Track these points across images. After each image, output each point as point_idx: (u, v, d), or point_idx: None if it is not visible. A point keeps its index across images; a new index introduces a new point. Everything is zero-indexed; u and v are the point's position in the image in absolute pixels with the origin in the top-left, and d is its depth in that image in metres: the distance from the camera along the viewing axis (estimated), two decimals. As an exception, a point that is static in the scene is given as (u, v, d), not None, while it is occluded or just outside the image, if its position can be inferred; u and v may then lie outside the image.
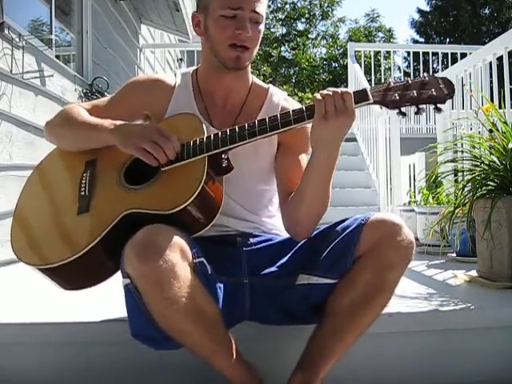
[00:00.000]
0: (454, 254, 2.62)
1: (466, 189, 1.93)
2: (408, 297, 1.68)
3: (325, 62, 21.64)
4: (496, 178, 1.89)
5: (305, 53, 21.24)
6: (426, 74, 1.21)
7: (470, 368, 1.50)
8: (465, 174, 2.12)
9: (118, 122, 1.29)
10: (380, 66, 10.17)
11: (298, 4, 21.96)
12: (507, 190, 1.87)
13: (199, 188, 1.16)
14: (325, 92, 1.17)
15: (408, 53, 14.55)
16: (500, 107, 2.26)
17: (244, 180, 1.37)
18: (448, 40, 19.52)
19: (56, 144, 1.45)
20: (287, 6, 21.67)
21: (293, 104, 1.46)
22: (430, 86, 1.18)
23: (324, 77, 21.32)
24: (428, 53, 6.75)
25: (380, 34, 22.70)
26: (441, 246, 2.34)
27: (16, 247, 1.26)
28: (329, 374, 1.23)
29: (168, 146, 1.20)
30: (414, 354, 1.50)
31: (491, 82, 2.86)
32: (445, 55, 7.12)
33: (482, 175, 1.91)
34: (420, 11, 20.42)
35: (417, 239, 2.88)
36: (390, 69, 13.39)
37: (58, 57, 3.67)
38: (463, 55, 5.61)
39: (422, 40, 20.02)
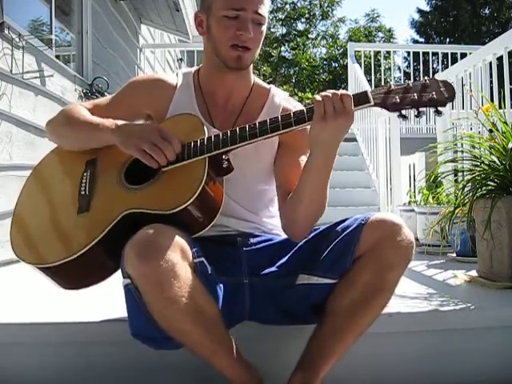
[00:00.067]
0: (454, 254, 2.62)
1: (465, 189, 1.93)
2: (408, 297, 1.68)
3: (325, 62, 21.64)
4: (496, 178, 1.89)
5: (305, 53, 21.25)
6: (426, 77, 1.22)
7: (470, 368, 1.50)
8: (465, 173, 2.12)
9: (120, 122, 1.29)
10: (380, 66, 10.17)
11: (298, 4, 21.98)
12: (507, 189, 1.87)
13: (200, 188, 1.16)
14: (324, 93, 1.17)
15: (408, 53, 14.57)
16: (500, 107, 2.26)
17: (245, 180, 1.37)
18: (448, 40, 19.53)
19: (58, 143, 1.44)
20: (287, 6, 21.68)
21: (294, 104, 1.46)
22: (430, 89, 1.18)
23: (324, 77, 21.32)
24: (428, 53, 6.75)
25: (380, 34, 22.72)
26: (441, 246, 2.34)
27: (16, 246, 1.26)
28: (329, 373, 1.23)
29: (168, 148, 1.20)
30: (414, 354, 1.50)
31: (491, 82, 2.86)
32: (445, 55, 7.12)
33: (482, 175, 1.91)
34: (420, 11, 20.43)
35: (417, 239, 2.89)
36: (389, 69, 13.41)
37: (58, 57, 3.67)
38: (463, 55, 5.61)
39: (422, 40, 20.02)
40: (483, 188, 1.91)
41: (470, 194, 1.91)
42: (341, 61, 20.57)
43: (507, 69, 2.67)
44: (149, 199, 1.20)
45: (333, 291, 1.25)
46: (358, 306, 1.21)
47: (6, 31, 2.78)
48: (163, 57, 7.18)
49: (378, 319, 1.24)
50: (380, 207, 4.49)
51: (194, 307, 1.10)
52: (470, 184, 1.93)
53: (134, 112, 1.40)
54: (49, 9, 3.62)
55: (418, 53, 6.95)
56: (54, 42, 3.56)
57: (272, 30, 20.71)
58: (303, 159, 1.34)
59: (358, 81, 5.47)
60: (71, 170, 1.36)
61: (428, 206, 2.95)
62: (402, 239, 1.20)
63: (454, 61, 5.46)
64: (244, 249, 1.36)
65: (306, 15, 21.87)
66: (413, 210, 3.12)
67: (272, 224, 1.43)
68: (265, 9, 1.32)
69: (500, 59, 2.77)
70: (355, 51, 6.08)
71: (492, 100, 2.58)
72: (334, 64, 21.47)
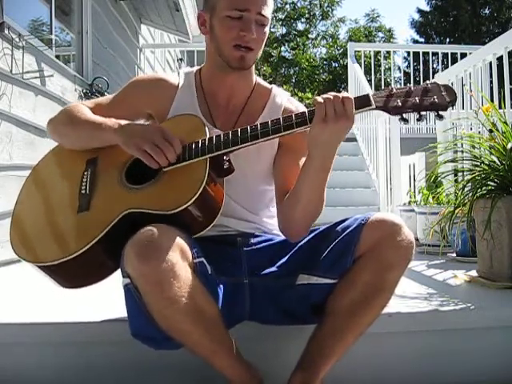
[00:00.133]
0: (454, 254, 2.62)
1: (465, 189, 1.93)
2: (408, 297, 1.68)
3: (325, 62, 21.65)
4: (496, 178, 1.89)
5: (305, 53, 21.25)
6: (428, 81, 1.22)
7: (470, 368, 1.50)
8: (465, 174, 2.12)
9: (123, 122, 1.29)
10: (380, 65, 10.17)
11: (298, 4, 21.99)
12: (507, 189, 1.87)
13: (200, 189, 1.16)
14: (326, 95, 1.17)
15: (408, 53, 14.56)
16: (500, 107, 2.26)
17: (245, 181, 1.37)
18: (448, 40, 19.53)
19: (59, 142, 1.44)
20: (287, 6, 21.69)
21: (296, 105, 1.46)
22: (432, 93, 1.18)
23: (324, 77, 21.33)
24: (428, 53, 6.75)
25: (380, 34, 22.73)
26: (441, 246, 2.34)
27: (16, 245, 1.26)
28: (329, 373, 1.23)
29: (169, 149, 1.20)
30: (414, 354, 1.50)
31: (491, 82, 2.86)
32: (445, 55, 7.11)
33: (482, 175, 1.91)
34: (420, 11, 20.44)
35: (417, 239, 2.89)
36: (389, 69, 13.41)
37: (58, 57, 3.67)
38: (463, 55, 5.61)
39: (422, 40, 20.03)
40: (483, 188, 1.91)
41: (470, 194, 1.91)
42: (341, 61, 20.58)
43: (507, 69, 2.67)
44: (149, 199, 1.20)
45: (333, 291, 1.25)
46: (357, 306, 1.21)
47: (6, 31, 2.78)
48: (163, 57, 7.18)
49: (377, 319, 1.24)
50: (380, 207, 4.49)
51: (193, 307, 1.10)
52: (469, 184, 1.93)
53: (135, 111, 1.40)
54: (49, 9, 3.62)
55: (418, 53, 6.95)
56: (54, 42, 3.56)
57: (272, 29, 20.70)
58: (303, 160, 1.34)
59: (357, 81, 5.47)
60: (72, 169, 1.36)
61: (428, 206, 2.95)
62: (402, 239, 1.20)
63: (454, 61, 5.46)
64: (244, 249, 1.36)
65: (306, 15, 21.88)
66: (413, 210, 3.12)
67: (272, 224, 1.43)
68: (268, 10, 1.32)
69: (500, 59, 2.78)
70: (355, 51, 6.07)
71: (492, 100, 2.58)
72: (334, 64, 21.48)
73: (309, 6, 21.95)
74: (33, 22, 3.65)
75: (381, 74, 8.05)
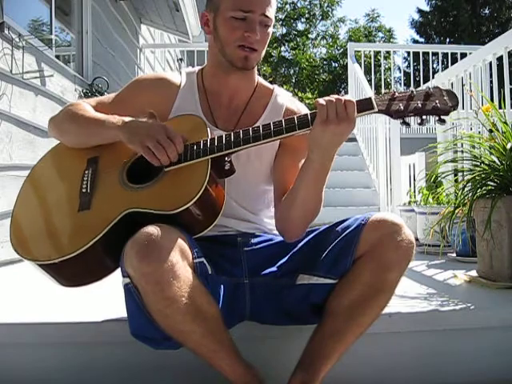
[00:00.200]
0: (454, 254, 2.62)
1: (466, 189, 1.93)
2: (408, 297, 1.68)
3: (325, 62, 21.65)
4: (496, 178, 1.89)
5: (305, 53, 21.25)
6: (430, 86, 1.22)
7: (470, 368, 1.50)
8: (465, 174, 2.12)
9: (127, 119, 1.28)
10: (380, 65, 10.17)
11: (298, 4, 21.99)
12: (507, 190, 1.87)
13: (202, 190, 1.16)
14: (328, 98, 1.18)
15: (408, 53, 14.57)
16: (500, 107, 2.26)
17: (246, 181, 1.38)
18: (448, 40, 19.53)
19: (60, 139, 1.43)
20: (287, 6, 21.68)
21: (297, 105, 1.46)
22: (434, 98, 1.19)
23: (324, 77, 21.33)
24: (428, 53, 6.74)
25: (380, 34, 22.74)
26: (441, 246, 2.33)
27: (16, 243, 1.25)
28: (329, 373, 1.23)
29: (171, 148, 1.20)
30: (414, 354, 1.50)
31: (491, 82, 2.86)
32: (445, 55, 7.10)
33: (482, 175, 1.91)
34: (420, 11, 20.43)
35: (417, 239, 2.89)
36: (389, 69, 13.42)
37: (58, 57, 3.68)
38: (463, 55, 5.61)
39: (422, 40, 20.02)
40: (483, 188, 1.91)
41: (470, 194, 1.91)
42: (341, 61, 20.58)
43: (507, 69, 2.67)
44: (150, 199, 1.20)
45: (333, 291, 1.25)
46: (358, 307, 1.21)
47: (6, 31, 2.78)
48: (163, 57, 7.18)
49: (378, 319, 1.24)
50: (380, 207, 4.49)
51: (193, 307, 1.10)
52: (469, 184, 1.93)
53: (137, 110, 1.40)
54: (49, 9, 3.62)
55: (418, 53, 6.95)
56: (54, 42, 3.56)
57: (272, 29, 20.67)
58: (302, 162, 1.34)
59: (357, 81, 5.47)
60: (72, 168, 1.36)
61: (428, 206, 2.95)
62: (403, 239, 1.20)
63: (454, 61, 5.46)
64: (244, 249, 1.36)
65: (306, 15, 21.89)
66: (413, 210, 3.12)
67: (272, 224, 1.43)
68: (272, 11, 1.33)
69: (500, 59, 2.78)
70: (355, 51, 6.07)
71: (492, 100, 2.58)
72: (333, 64, 21.47)
73: (309, 6, 21.96)
74: (33, 21, 3.65)
75: (381, 74, 8.04)
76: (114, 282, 1.20)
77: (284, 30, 21.53)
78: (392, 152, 4.23)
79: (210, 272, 1.20)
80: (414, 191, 3.44)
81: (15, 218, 1.32)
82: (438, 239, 2.61)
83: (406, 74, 18.61)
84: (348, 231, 1.25)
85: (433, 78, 5.85)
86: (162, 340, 1.14)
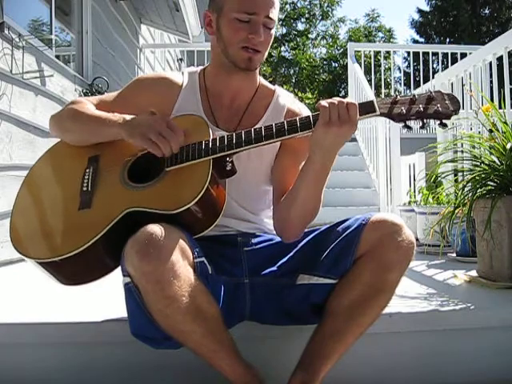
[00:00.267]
0: (454, 254, 2.62)
1: (466, 189, 1.93)
2: (408, 297, 1.68)
3: (325, 62, 21.65)
4: (496, 178, 1.89)
5: (305, 53, 21.25)
6: (430, 87, 1.23)
7: (470, 368, 1.50)
8: (465, 173, 2.12)
9: (127, 116, 1.28)
10: (380, 65, 10.16)
11: (298, 4, 21.99)
12: (507, 189, 1.87)
13: (203, 190, 1.16)
14: (330, 100, 1.18)
15: (408, 53, 14.56)
16: (500, 107, 2.26)
17: (247, 181, 1.38)
18: (448, 40, 19.53)
19: (61, 137, 1.43)
20: (287, 6, 21.68)
21: (299, 106, 1.46)
22: (435, 102, 1.19)
23: (324, 77, 21.33)
24: (428, 53, 6.73)
25: (380, 34, 22.73)
26: (441, 246, 2.34)
27: (16, 241, 1.25)
28: (329, 373, 1.23)
29: (174, 139, 1.20)
30: (414, 354, 1.50)
31: (491, 82, 2.86)
32: (445, 55, 7.09)
33: (482, 175, 1.91)
34: (420, 11, 20.44)
35: (417, 239, 2.89)
36: (389, 69, 13.41)
37: (58, 57, 3.68)
38: (463, 55, 5.60)
39: (422, 40, 20.02)
40: (483, 188, 1.91)
41: (470, 194, 1.91)
42: (341, 61, 20.58)
43: (507, 69, 2.67)
44: (151, 198, 1.20)
45: (333, 291, 1.25)
46: (357, 307, 1.21)
47: (6, 31, 2.78)
48: (163, 57, 7.18)
49: (378, 319, 1.24)
50: (380, 207, 4.49)
51: (194, 307, 1.10)
52: (469, 184, 1.93)
53: (139, 109, 1.40)
54: (49, 9, 3.62)
55: (418, 53, 6.94)
56: (54, 42, 3.56)
57: (272, 29, 20.65)
58: (302, 163, 1.34)
59: (357, 81, 5.47)
60: (73, 166, 1.35)
61: (428, 206, 2.95)
62: (403, 239, 1.20)
63: (454, 61, 5.45)
64: (245, 249, 1.36)
65: (306, 15, 21.89)
66: (413, 210, 3.12)
67: (272, 224, 1.43)
68: (276, 13, 1.33)
69: (500, 59, 2.78)
70: (355, 51, 6.07)
71: (492, 100, 2.59)
72: (333, 64, 21.47)
73: (309, 6, 21.96)
74: (33, 21, 3.65)
75: (381, 74, 8.04)
76: (114, 281, 1.20)
77: (284, 30, 21.53)
78: (392, 152, 4.23)
79: (210, 272, 1.20)
80: (414, 191, 3.44)
81: (15, 217, 1.32)
82: (438, 239, 2.61)
83: (406, 74, 18.61)
84: (348, 231, 1.25)
85: (433, 78, 5.84)
86: (163, 340, 1.14)
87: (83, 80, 4.08)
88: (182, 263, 1.10)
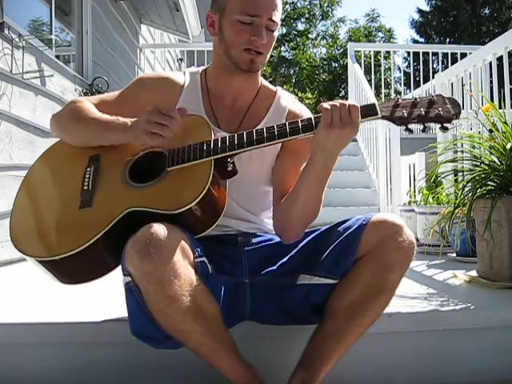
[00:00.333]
0: (454, 254, 2.62)
1: (465, 189, 1.94)
2: (408, 297, 1.68)
3: (325, 62, 21.65)
4: (496, 178, 1.89)
5: (305, 53, 21.25)
6: (433, 94, 1.24)
7: (470, 368, 1.50)
8: (465, 173, 2.12)
9: (129, 121, 1.28)
10: (380, 65, 10.15)
11: (298, 4, 22.00)
12: (507, 189, 1.87)
13: (204, 190, 1.16)
14: (332, 103, 1.18)
15: (408, 53, 14.56)
16: (500, 107, 2.26)
17: (247, 182, 1.38)
18: (448, 40, 19.53)
19: (61, 137, 1.43)
20: (287, 6, 21.67)
21: (300, 108, 1.47)
22: (437, 105, 1.19)
23: (324, 77, 21.33)
24: (428, 53, 6.73)
25: (380, 34, 22.74)
26: (441, 246, 2.34)
27: (16, 239, 1.25)
28: (329, 373, 1.23)
29: (171, 120, 1.20)
30: (414, 354, 1.50)
31: (491, 82, 2.86)
32: (445, 55, 7.09)
33: (482, 175, 1.91)
34: (420, 11, 20.44)
35: (417, 239, 2.88)
36: (389, 69, 13.40)
37: (58, 57, 3.68)
38: (463, 55, 5.61)
39: (422, 40, 20.02)
40: (483, 188, 1.91)
41: (470, 194, 1.91)
42: (341, 61, 20.58)
43: (507, 69, 2.67)
44: (152, 198, 1.20)
45: (334, 291, 1.25)
46: (358, 307, 1.21)
47: (6, 31, 2.78)
48: (163, 57, 7.18)
49: (378, 319, 1.24)
50: (380, 207, 4.49)
51: (194, 306, 1.10)
52: (469, 184, 1.93)
53: (140, 109, 1.40)
54: (49, 9, 3.62)
55: (418, 53, 6.94)
56: (54, 42, 3.56)
57: (272, 30, 20.64)
58: (303, 164, 1.34)
59: (357, 81, 5.47)
60: (74, 164, 1.35)
61: (428, 206, 2.95)
62: (404, 240, 1.20)
63: (454, 61, 5.45)
64: (245, 248, 1.36)
65: (306, 15, 21.89)
66: (413, 210, 3.12)
67: (272, 224, 1.43)
68: (278, 15, 1.33)
69: (500, 59, 2.78)
70: (355, 51, 6.07)
71: (492, 100, 2.59)
72: (333, 64, 21.47)
73: (309, 6, 21.97)
74: (33, 21, 3.65)
75: (381, 74, 8.03)
76: (115, 280, 1.20)
77: (284, 30, 21.53)
78: (392, 152, 4.23)
79: (210, 271, 1.20)
80: (414, 191, 3.44)
81: (16, 215, 1.31)
82: (438, 239, 2.61)
83: (406, 74, 18.62)
84: (349, 231, 1.25)
85: (433, 78, 5.85)
86: (163, 339, 1.14)
87: (83, 80, 4.08)
88: (183, 263, 1.10)
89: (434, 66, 8.05)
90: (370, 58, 6.98)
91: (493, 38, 3.06)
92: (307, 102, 19.40)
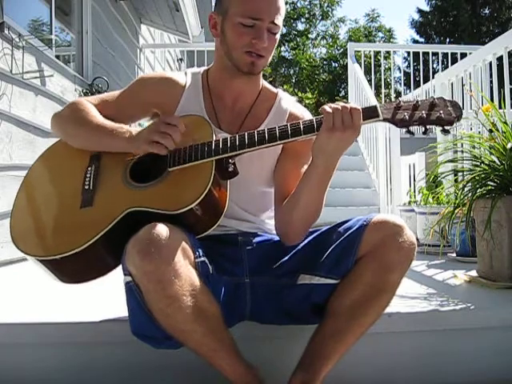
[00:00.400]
0: (454, 254, 2.62)
1: (465, 189, 1.94)
2: (408, 297, 1.68)
3: (325, 62, 21.65)
4: (496, 178, 1.89)
5: (305, 53, 21.25)
6: (434, 96, 1.24)
7: (470, 368, 1.50)
8: (465, 173, 2.12)
9: (133, 130, 1.28)
10: (380, 65, 10.15)
11: (298, 4, 22.00)
12: (507, 189, 1.87)
13: (206, 191, 1.16)
14: (334, 105, 1.18)
15: (408, 53, 14.56)
16: (500, 107, 2.26)
17: (247, 183, 1.38)
18: (448, 40, 19.53)
19: (62, 138, 1.42)
20: (287, 6, 21.66)
21: (301, 110, 1.47)
22: (438, 108, 1.20)
23: (324, 77, 21.33)
24: (428, 53, 6.73)
25: (380, 34, 22.73)
26: (441, 246, 2.34)
27: (16, 238, 1.25)
28: (329, 373, 1.23)
29: (175, 131, 1.21)
30: (414, 354, 1.50)
31: (491, 82, 2.86)
32: (445, 55, 7.09)
33: (482, 175, 1.91)
34: (420, 11, 20.44)
35: (417, 239, 2.88)
36: (389, 69, 13.40)
37: (58, 57, 3.67)
38: (463, 55, 5.61)
39: (422, 40, 20.02)
40: (483, 188, 1.91)
41: (470, 194, 1.91)
42: (341, 61, 20.58)
43: (507, 69, 2.67)
44: (153, 198, 1.20)
45: (334, 291, 1.25)
46: (359, 307, 1.21)
47: (6, 31, 2.78)
48: (163, 57, 7.18)
49: (378, 319, 1.24)
50: (380, 207, 4.49)
51: (195, 306, 1.10)
52: (469, 184, 1.93)
53: (141, 109, 1.40)
54: (49, 9, 3.62)
55: (418, 53, 6.94)
56: (54, 42, 3.56)
57: (272, 30, 20.65)
58: (305, 167, 1.34)
59: (357, 81, 5.47)
60: (75, 164, 1.35)
61: (428, 206, 2.95)
62: (404, 240, 1.21)
63: (454, 61, 5.45)
64: (245, 248, 1.36)
65: (306, 15, 21.89)
66: (413, 210, 3.12)
67: (272, 224, 1.43)
68: (281, 18, 1.33)
69: (500, 59, 2.78)
70: (355, 51, 6.07)
71: (492, 100, 2.59)
72: (333, 64, 21.47)
73: (309, 6, 21.96)
74: (33, 21, 3.65)
75: (381, 74, 8.03)
76: (115, 279, 1.20)
77: (284, 30, 21.51)
78: (392, 152, 4.23)
79: (211, 271, 1.20)
80: (414, 191, 3.44)
81: (16, 215, 1.31)
82: (438, 239, 2.61)
83: (406, 74, 18.61)
84: (350, 232, 1.25)
85: (433, 78, 5.85)
86: (163, 339, 1.14)
87: (83, 80, 4.08)
88: (184, 262, 1.10)
89: (434, 66, 8.05)
90: (370, 58, 6.98)
91: (493, 38, 3.06)
92: (307, 102, 19.40)
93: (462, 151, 2.16)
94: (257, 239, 1.39)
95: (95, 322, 1.40)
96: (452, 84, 3.42)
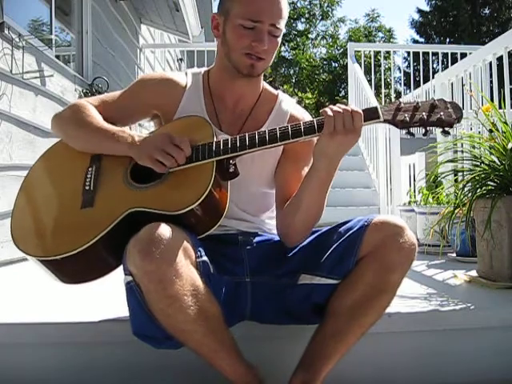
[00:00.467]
0: (454, 254, 2.62)
1: (465, 189, 1.94)
2: (408, 297, 1.68)
3: (325, 62, 21.64)
4: (496, 178, 1.89)
5: (305, 53, 21.25)
6: (435, 98, 1.24)
7: (470, 368, 1.50)
8: (465, 174, 2.12)
9: (136, 136, 1.27)
10: (380, 66, 10.15)
11: (298, 4, 21.99)
12: (507, 189, 1.87)
13: (206, 191, 1.17)
14: (335, 109, 1.18)
15: (408, 53, 14.55)
16: (500, 107, 2.27)
17: (248, 184, 1.38)
18: (448, 40, 19.53)
19: (63, 139, 1.41)
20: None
21: (301, 112, 1.47)
22: (438, 109, 1.20)
23: (324, 77, 21.33)
24: (428, 53, 6.73)
25: (380, 34, 22.73)
26: (441, 246, 2.34)
27: (16, 238, 1.25)
28: (329, 373, 1.23)
29: (179, 153, 1.20)
30: (414, 354, 1.50)
31: (491, 82, 2.86)
32: (445, 55, 7.08)
33: (482, 175, 1.91)
34: (420, 11, 20.44)
35: (417, 239, 2.88)
36: (389, 69, 13.40)
37: (58, 57, 3.67)
38: (463, 55, 5.61)
39: (422, 40, 20.03)
40: (483, 188, 1.91)
41: (470, 194, 1.91)
42: (341, 61, 20.57)
43: (507, 69, 2.67)
44: (154, 199, 1.20)
45: (335, 292, 1.25)
46: (359, 307, 1.21)
47: (6, 31, 2.78)
48: (163, 57, 7.18)
49: (379, 319, 1.24)
50: (380, 207, 4.49)
51: (195, 306, 1.10)
52: (469, 184, 1.93)
53: (142, 110, 1.39)
54: (49, 9, 3.62)
55: (418, 53, 6.94)
56: (54, 42, 3.55)
57: (272, 30, 20.65)
58: (305, 169, 1.34)
59: (357, 81, 5.47)
60: (75, 164, 1.35)
61: (428, 206, 2.95)
62: (405, 241, 1.21)
63: (454, 61, 5.45)
64: (246, 248, 1.36)
65: (306, 15, 21.89)
66: (413, 210, 3.12)
67: (272, 224, 1.44)
68: (283, 22, 1.32)
69: (500, 59, 2.78)
70: (355, 51, 6.07)
71: (492, 100, 2.59)
72: (333, 64, 21.46)
73: (309, 6, 21.96)
74: (33, 21, 3.65)
75: (381, 74, 8.02)
76: (115, 279, 1.20)
77: (284, 30, 21.44)
78: (392, 152, 4.23)
79: (212, 271, 1.20)
80: (414, 191, 3.44)
81: (16, 215, 1.31)
82: (438, 239, 2.61)
83: (406, 74, 18.61)
84: (351, 232, 1.25)
85: (433, 78, 5.85)
86: (164, 339, 1.14)
87: (83, 80, 4.08)
88: (184, 262, 1.10)
89: (434, 66, 8.06)
90: (370, 58, 6.98)
91: (493, 38, 3.06)
92: (307, 102, 19.40)
93: (462, 151, 2.16)
94: (257, 239, 1.39)
95: (95, 322, 1.40)
96: (452, 84, 3.42)
